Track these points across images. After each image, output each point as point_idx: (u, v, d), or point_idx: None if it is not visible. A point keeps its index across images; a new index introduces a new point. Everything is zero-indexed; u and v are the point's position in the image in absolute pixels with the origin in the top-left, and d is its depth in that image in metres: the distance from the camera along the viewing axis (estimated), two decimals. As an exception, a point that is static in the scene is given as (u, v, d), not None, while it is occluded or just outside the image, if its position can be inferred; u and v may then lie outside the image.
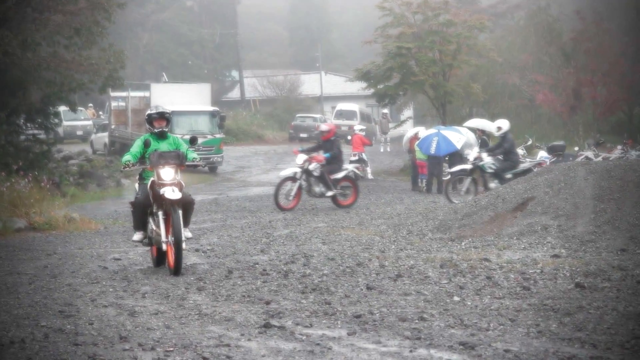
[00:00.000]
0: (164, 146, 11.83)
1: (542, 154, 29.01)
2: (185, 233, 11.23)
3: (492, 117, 35.35)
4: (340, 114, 55.29)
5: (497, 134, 21.46)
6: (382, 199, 23.32)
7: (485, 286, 9.58)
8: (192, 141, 12.20)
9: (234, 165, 37.71)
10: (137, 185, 15.53)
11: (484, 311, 8.23)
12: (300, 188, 20.21)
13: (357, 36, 67.07)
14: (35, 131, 27.91)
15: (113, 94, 40.48)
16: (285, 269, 11.14)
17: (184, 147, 12.04)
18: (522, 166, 21.08)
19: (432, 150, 25.63)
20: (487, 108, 44.01)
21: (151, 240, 11.74)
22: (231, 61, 71.33)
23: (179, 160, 11.54)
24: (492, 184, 20.84)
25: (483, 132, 27.01)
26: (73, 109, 29.19)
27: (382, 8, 35.67)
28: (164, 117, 11.98)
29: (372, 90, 36.92)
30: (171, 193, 11.08)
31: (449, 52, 34.69)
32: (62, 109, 31.92)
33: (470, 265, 10.92)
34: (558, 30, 43.00)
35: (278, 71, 71.10)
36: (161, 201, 11.25)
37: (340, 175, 20.62)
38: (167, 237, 11.12)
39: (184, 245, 11.04)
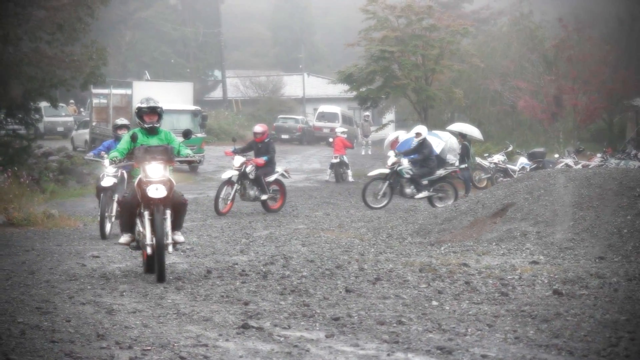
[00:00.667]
0: (153, 142, 11.02)
1: (523, 160, 29.16)
2: (176, 236, 10.57)
3: (474, 123, 35.50)
4: (322, 116, 55.35)
5: (415, 139, 21.45)
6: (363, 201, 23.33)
7: (463, 291, 9.61)
8: (186, 135, 11.43)
9: (215, 164, 37.63)
10: (104, 174, 15.51)
11: (462, 316, 8.26)
12: (236, 192, 19.70)
13: (340, 38, 67.16)
14: (16, 126, 27.71)
15: (95, 90, 40.30)
16: (264, 270, 11.14)
17: (177, 142, 11.23)
18: (438, 173, 21.18)
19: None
20: (469, 113, 44.15)
21: (139, 244, 10.84)
22: (214, 60, 71.23)
23: (167, 156, 10.66)
24: (408, 190, 20.88)
25: (464, 137, 27.12)
26: (54, 104, 29.00)
27: (365, 11, 35.74)
28: (156, 111, 11.17)
29: (354, 93, 36.98)
30: (154, 191, 10.35)
31: (431, 56, 34.80)
32: (43, 104, 31.75)
33: (449, 270, 10.96)
34: (540, 37, 43.18)
35: (261, 72, 71.13)
36: (148, 201, 10.43)
37: (272, 178, 20.07)
38: (152, 239, 10.36)
39: (170, 249, 10.40)
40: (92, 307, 8.67)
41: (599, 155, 29.87)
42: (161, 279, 10.27)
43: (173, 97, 39.64)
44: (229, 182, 19.73)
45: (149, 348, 6.84)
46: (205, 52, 71.64)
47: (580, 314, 8.26)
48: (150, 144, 10.92)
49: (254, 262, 11.87)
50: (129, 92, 41.04)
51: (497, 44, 45.41)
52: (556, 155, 31.64)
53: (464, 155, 26.48)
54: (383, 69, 34.99)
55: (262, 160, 19.82)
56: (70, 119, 48.46)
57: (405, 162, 20.82)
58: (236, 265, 11.53)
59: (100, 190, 15.68)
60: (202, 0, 71.78)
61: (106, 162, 14.85)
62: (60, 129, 47.51)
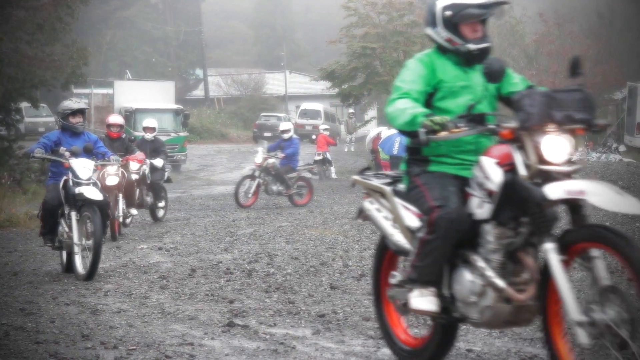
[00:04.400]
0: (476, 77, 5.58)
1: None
2: None
3: (456, 118, 35.58)
4: (305, 114, 55.34)
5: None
6: (346, 198, 23.35)
7: (448, 286, 9.62)
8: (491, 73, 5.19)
9: (198, 163, 37.59)
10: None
11: (447, 311, 8.27)
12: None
13: (321, 35, 67.11)
14: (-4, 127, 27.62)
15: (76, 90, 40.20)
16: (249, 267, 11.13)
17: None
18: None
19: (395, 151, 25.68)
20: (451, 109, 44.33)
21: (450, 312, 5.52)
22: (195, 59, 71.07)
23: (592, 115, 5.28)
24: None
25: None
26: (35, 105, 28.90)
27: (346, 8, 35.73)
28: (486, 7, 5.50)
29: (336, 90, 36.98)
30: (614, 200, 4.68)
31: (413, 52, 34.71)
32: (24, 105, 31.61)
33: (433, 265, 10.97)
34: (521, 32, 43.43)
35: (242, 70, 71.07)
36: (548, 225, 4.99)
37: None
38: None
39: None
40: (77, 307, 8.64)
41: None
42: None
43: (155, 96, 39.60)
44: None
45: (134, 348, 6.82)
46: (186, 51, 71.51)
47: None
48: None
49: (238, 260, 11.86)
50: (110, 91, 41.00)
51: (478, 39, 45.52)
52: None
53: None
54: (365, 66, 34.98)
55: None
56: (52, 119, 48.27)
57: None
58: (220, 264, 11.52)
59: (52, 206, 11.04)
60: (182, -1, 71.65)
61: (73, 161, 10.86)
62: (41, 129, 47.16)
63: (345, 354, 6.67)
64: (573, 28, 41.39)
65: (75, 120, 11.33)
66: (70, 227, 10.77)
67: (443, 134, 5.14)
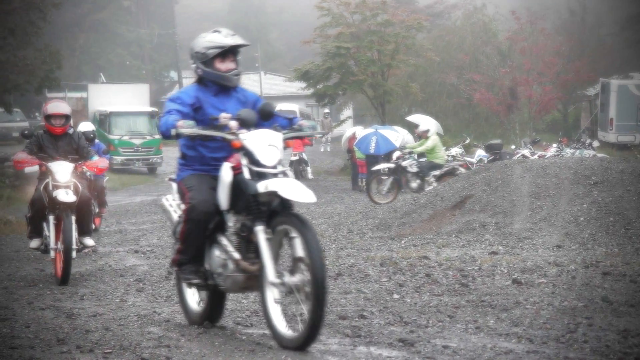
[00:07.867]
0: None
1: (480, 153, 29.38)
2: None
3: (431, 116, 35.69)
4: (280, 114, 55.32)
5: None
6: (323, 198, 23.37)
7: (424, 283, 9.67)
8: None
9: (174, 166, 37.38)
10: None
11: (423, 308, 8.31)
12: None
13: (296, 36, 67.10)
14: (-31, 133, 27.46)
15: (49, 94, 39.96)
16: (225, 269, 11.09)
17: None
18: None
19: (372, 150, 25.76)
20: (426, 107, 44.43)
21: None
22: (170, 61, 70.78)
23: None
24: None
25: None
26: (8, 110, 28.74)
27: (320, 8, 35.77)
28: None
29: (311, 90, 37.01)
30: None
31: (387, 52, 34.92)
32: (-3, 110, 31.43)
33: (409, 263, 11.01)
34: (494, 30, 43.69)
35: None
36: None
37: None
38: None
39: None
40: (52, 312, 8.59)
41: (554, 145, 30.21)
42: None
43: (129, 99, 39.50)
44: None
45: (110, 351, 6.79)
46: (160, 53, 71.22)
47: (539, 302, 8.35)
48: None
49: (214, 262, 11.81)
50: (84, 95, 40.79)
51: (452, 37, 45.74)
52: (513, 147, 31.92)
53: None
54: (339, 65, 35.05)
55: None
56: (26, 124, 47.96)
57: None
58: (197, 266, 11.47)
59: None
60: (156, 2, 71.31)
61: (246, 137, 6.64)
62: (15, 134, 46.96)
63: (322, 353, 6.68)
64: (545, 25, 41.61)
65: (226, 67, 7.31)
66: (243, 250, 6.70)
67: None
